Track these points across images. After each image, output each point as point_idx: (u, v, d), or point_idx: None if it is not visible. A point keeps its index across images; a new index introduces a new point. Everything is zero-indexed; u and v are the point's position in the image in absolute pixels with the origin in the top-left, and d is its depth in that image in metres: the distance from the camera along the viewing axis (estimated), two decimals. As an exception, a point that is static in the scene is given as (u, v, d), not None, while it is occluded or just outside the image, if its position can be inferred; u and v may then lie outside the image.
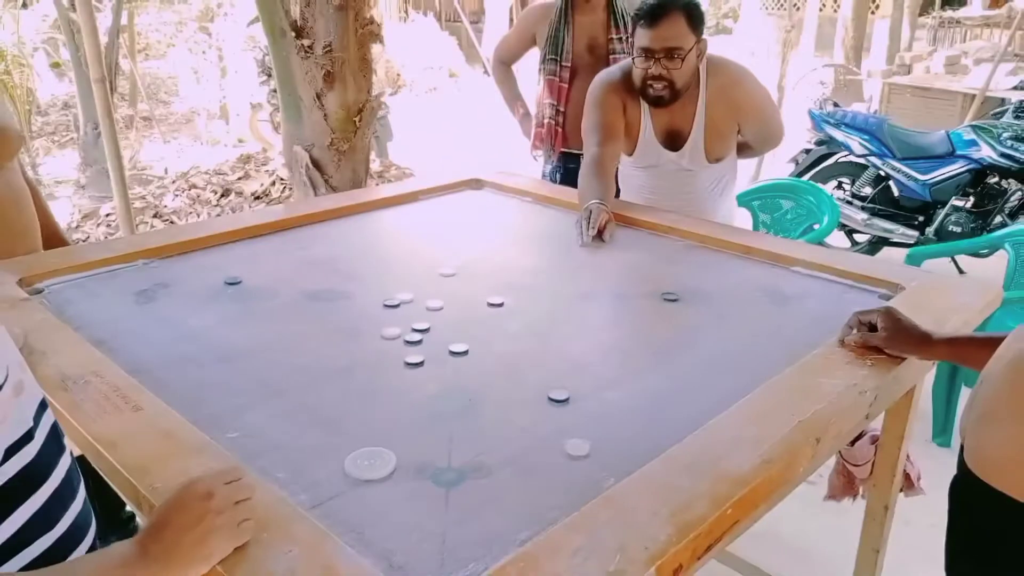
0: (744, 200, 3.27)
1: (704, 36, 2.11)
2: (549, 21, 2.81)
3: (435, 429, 1.16)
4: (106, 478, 1.08)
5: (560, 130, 2.86)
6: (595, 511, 0.94)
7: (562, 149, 2.88)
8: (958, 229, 4.17)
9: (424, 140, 8.07)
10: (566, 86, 2.81)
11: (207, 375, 1.32)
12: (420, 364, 1.34)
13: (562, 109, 2.84)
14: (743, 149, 2.43)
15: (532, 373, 1.33)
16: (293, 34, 2.76)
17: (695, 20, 2.07)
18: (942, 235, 4.21)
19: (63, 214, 5.52)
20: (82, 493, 0.89)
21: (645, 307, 1.60)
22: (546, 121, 2.86)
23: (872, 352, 1.30)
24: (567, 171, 2.87)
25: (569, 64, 2.78)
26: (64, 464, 0.86)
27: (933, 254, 3.45)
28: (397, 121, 6.91)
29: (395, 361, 1.36)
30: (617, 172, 2.37)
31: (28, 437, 0.79)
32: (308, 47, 2.76)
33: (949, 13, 10.19)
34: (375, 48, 3.05)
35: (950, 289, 1.59)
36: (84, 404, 1.16)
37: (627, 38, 2.70)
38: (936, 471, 1.57)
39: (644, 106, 2.23)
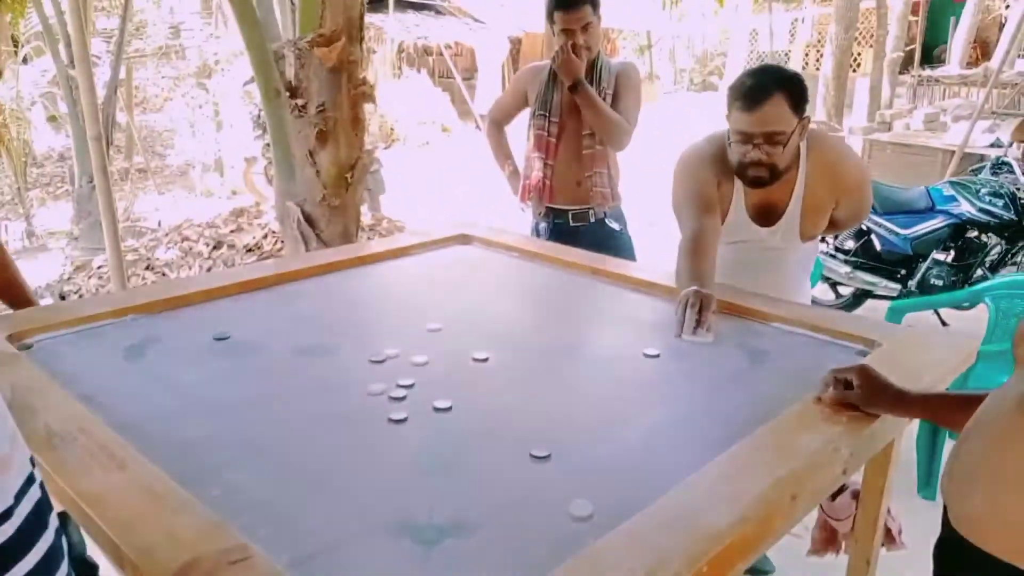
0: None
1: (807, 117, 1.95)
2: (540, 80, 2.89)
3: (417, 486, 1.17)
4: (89, 537, 1.09)
5: (548, 183, 2.91)
6: (575, 569, 0.95)
7: (548, 204, 2.92)
8: (939, 282, 4.23)
9: (416, 193, 8.17)
10: (554, 141, 2.87)
11: (193, 431, 1.33)
12: (404, 420, 1.36)
13: (550, 163, 2.90)
14: (828, 229, 2.27)
15: (515, 429, 1.35)
16: (287, 94, 2.83)
17: (798, 99, 1.90)
18: (924, 288, 4.27)
19: (55, 265, 5.55)
20: (64, 568, 0.89)
21: (626, 364, 1.62)
22: (534, 174, 2.92)
23: (848, 409, 1.33)
24: (554, 227, 2.92)
25: (557, 120, 2.85)
26: (46, 540, 0.86)
27: (914, 307, 3.50)
28: (390, 174, 7.00)
29: (379, 417, 1.37)
30: None
31: (6, 515, 0.80)
32: (302, 107, 2.83)
33: (928, 72, 10.45)
34: (368, 106, 3.13)
35: (925, 345, 1.63)
36: (69, 462, 1.17)
37: (600, 92, 2.79)
38: (920, 525, 1.59)
39: (738, 183, 2.07)
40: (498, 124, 3.15)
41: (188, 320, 1.83)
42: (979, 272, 4.18)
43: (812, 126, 2.09)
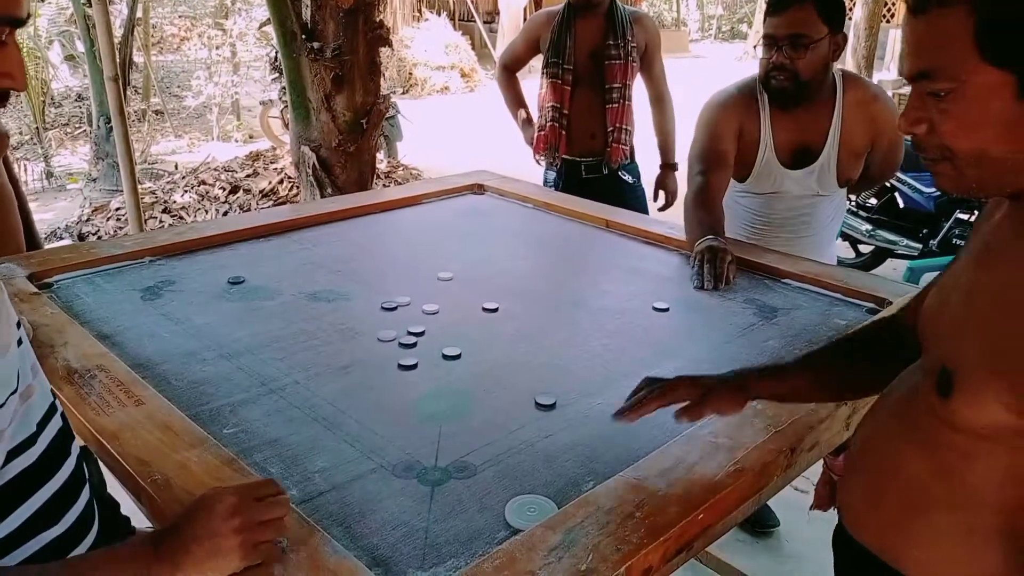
0: None
1: (840, 35, 1.92)
2: (552, 27, 2.84)
3: (424, 430, 1.20)
4: (109, 471, 1.13)
5: (564, 133, 2.87)
6: (572, 512, 0.98)
7: (564, 155, 2.89)
8: (961, 242, 4.18)
9: (434, 140, 8.12)
10: (569, 89, 2.82)
11: (208, 371, 1.36)
12: (414, 367, 1.39)
13: (566, 112, 2.85)
14: (860, 184, 2.26)
15: (522, 377, 1.38)
16: (303, 37, 2.81)
17: (829, 9, 1.88)
18: (945, 248, 4.23)
19: (74, 207, 5.60)
20: (86, 494, 0.93)
21: (635, 317, 1.64)
22: (548, 124, 2.88)
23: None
24: (568, 180, 2.89)
25: (572, 67, 2.80)
26: (68, 467, 0.90)
27: (933, 267, 3.47)
28: (407, 120, 6.96)
29: (390, 363, 1.40)
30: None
31: (30, 441, 0.84)
32: (318, 50, 2.81)
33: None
34: (386, 49, 3.10)
35: (935, 305, 1.62)
36: (89, 398, 1.21)
37: (623, 44, 2.74)
38: None
39: (766, 121, 2.04)
40: (509, 70, 3.10)
41: (204, 263, 1.85)
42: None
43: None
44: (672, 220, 2.18)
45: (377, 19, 2.88)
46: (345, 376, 1.37)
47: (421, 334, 1.51)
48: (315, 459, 1.12)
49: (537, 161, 3.01)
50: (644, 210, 2.81)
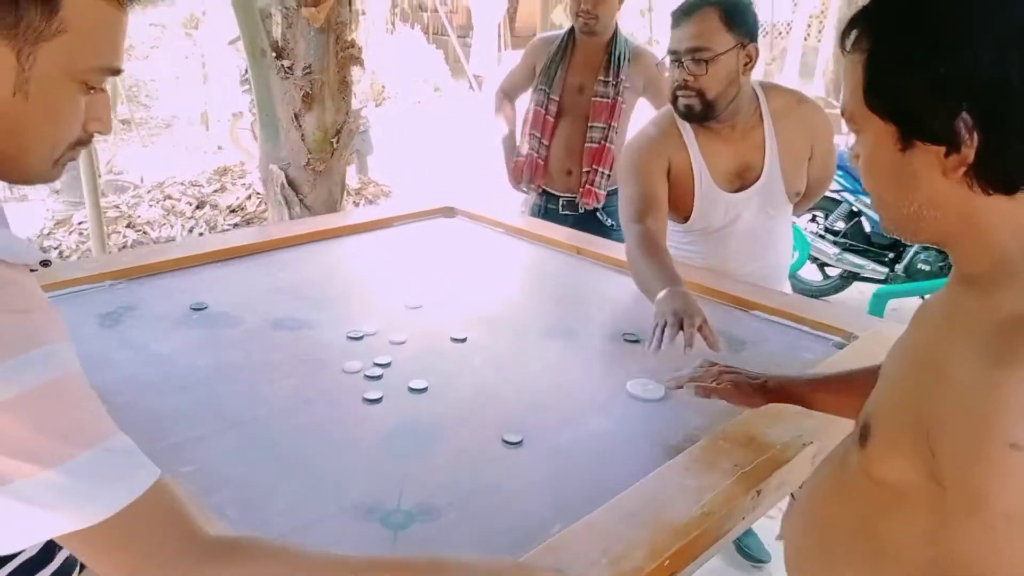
0: None
1: (752, 46, 1.76)
2: (548, 53, 2.78)
3: (388, 469, 1.18)
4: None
5: (542, 164, 2.80)
6: (538, 558, 0.96)
7: (543, 186, 2.83)
8: (927, 267, 4.25)
9: (405, 154, 8.10)
10: (552, 120, 2.75)
11: (167, 403, 1.33)
12: (379, 400, 1.36)
13: (546, 143, 2.79)
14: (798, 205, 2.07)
15: (489, 412, 1.36)
16: (273, 55, 2.78)
17: (732, 18, 1.71)
18: (911, 273, 4.29)
19: (36, 218, 5.48)
20: None
21: (605, 347, 1.63)
22: (527, 152, 2.81)
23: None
24: (547, 211, 2.83)
25: (557, 99, 2.74)
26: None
27: (898, 294, 3.53)
28: (379, 134, 6.93)
29: (354, 396, 1.38)
30: None
31: None
32: (288, 68, 2.78)
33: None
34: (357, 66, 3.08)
35: (900, 339, 1.64)
36: (41, 433, 1.17)
37: (615, 83, 2.67)
38: None
39: (694, 150, 1.87)
40: (507, 95, 3.03)
41: (166, 287, 1.81)
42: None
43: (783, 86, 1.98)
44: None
45: (348, 38, 2.86)
46: (308, 410, 1.34)
47: (387, 365, 1.49)
48: (276, 500, 1.10)
49: (519, 190, 2.94)
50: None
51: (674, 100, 1.81)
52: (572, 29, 2.76)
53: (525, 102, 2.91)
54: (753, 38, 1.77)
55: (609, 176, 2.74)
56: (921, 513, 0.79)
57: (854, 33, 0.79)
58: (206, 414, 1.30)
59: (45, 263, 0.77)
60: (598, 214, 2.83)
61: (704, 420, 1.33)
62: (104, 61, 0.75)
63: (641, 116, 2.77)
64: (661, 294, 1.56)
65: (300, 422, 1.30)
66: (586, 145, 2.72)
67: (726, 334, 1.69)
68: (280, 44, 2.79)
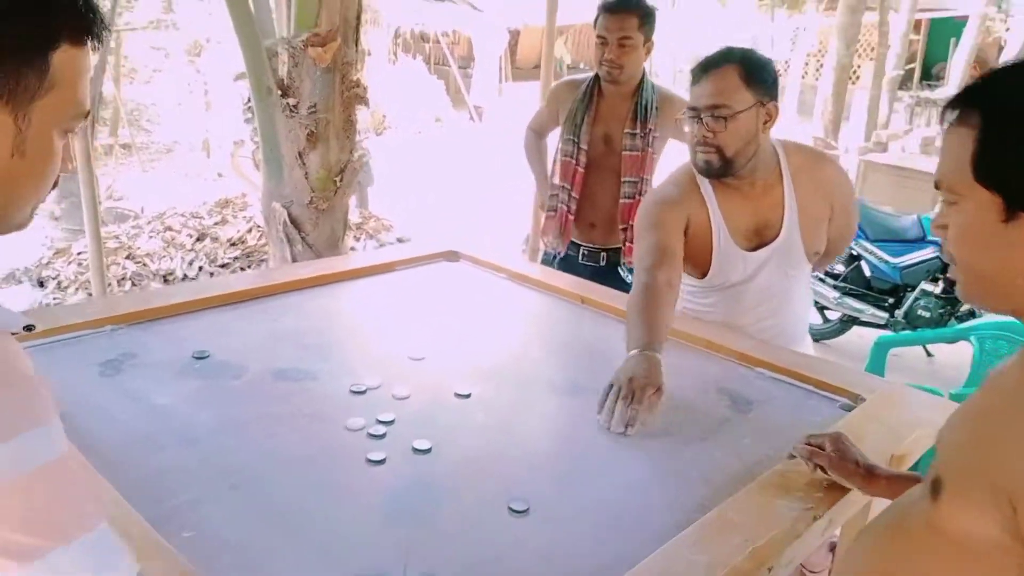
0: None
1: (772, 104, 1.77)
2: (573, 98, 2.69)
3: (392, 535, 1.16)
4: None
5: (572, 218, 2.70)
6: (546, 640, 0.94)
7: (572, 239, 2.73)
8: (927, 314, 4.25)
9: (406, 185, 8.12)
10: (582, 171, 2.64)
11: (168, 460, 1.31)
12: (382, 462, 1.34)
13: (575, 195, 2.67)
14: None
15: (494, 474, 1.34)
16: (279, 93, 2.79)
17: (753, 75, 1.73)
18: (911, 318, 4.29)
19: (35, 245, 5.47)
20: None
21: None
22: (559, 206, 2.70)
23: (816, 469, 1.31)
24: (566, 258, 2.75)
25: (587, 148, 2.63)
26: None
27: (900, 342, 3.51)
28: (380, 164, 6.95)
29: (357, 456, 1.35)
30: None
31: None
32: (293, 106, 2.79)
33: (926, 93, 10.47)
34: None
35: (908, 404, 1.62)
36: (38, 493, 1.14)
37: (643, 133, 2.58)
38: None
39: (713, 206, 1.87)
40: (536, 134, 2.96)
41: (168, 333, 1.80)
42: (966, 306, 4.20)
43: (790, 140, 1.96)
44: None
45: (354, 77, 2.87)
46: (311, 469, 1.32)
47: (391, 423, 1.46)
48: (278, 567, 1.07)
49: (544, 244, 2.86)
50: None
51: (693, 156, 1.82)
52: (597, 77, 2.67)
53: (555, 138, 2.84)
54: (773, 96, 1.78)
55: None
56: (995, 570, 0.82)
57: (959, 108, 0.84)
58: (208, 472, 1.28)
59: (28, 328, 0.76)
60: (619, 268, 2.75)
61: (712, 490, 1.31)
62: (84, 107, 0.78)
63: (670, 156, 2.74)
64: (631, 354, 1.58)
65: (303, 482, 1.28)
66: (621, 201, 2.62)
67: (732, 393, 1.68)
68: (286, 82, 2.80)
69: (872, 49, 11.58)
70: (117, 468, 1.26)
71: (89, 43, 0.77)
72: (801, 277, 1.98)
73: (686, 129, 1.83)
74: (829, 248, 2.01)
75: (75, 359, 1.63)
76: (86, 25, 0.75)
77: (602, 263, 2.72)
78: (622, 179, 2.61)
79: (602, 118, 2.66)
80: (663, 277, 1.77)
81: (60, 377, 1.55)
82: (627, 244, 2.63)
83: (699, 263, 1.92)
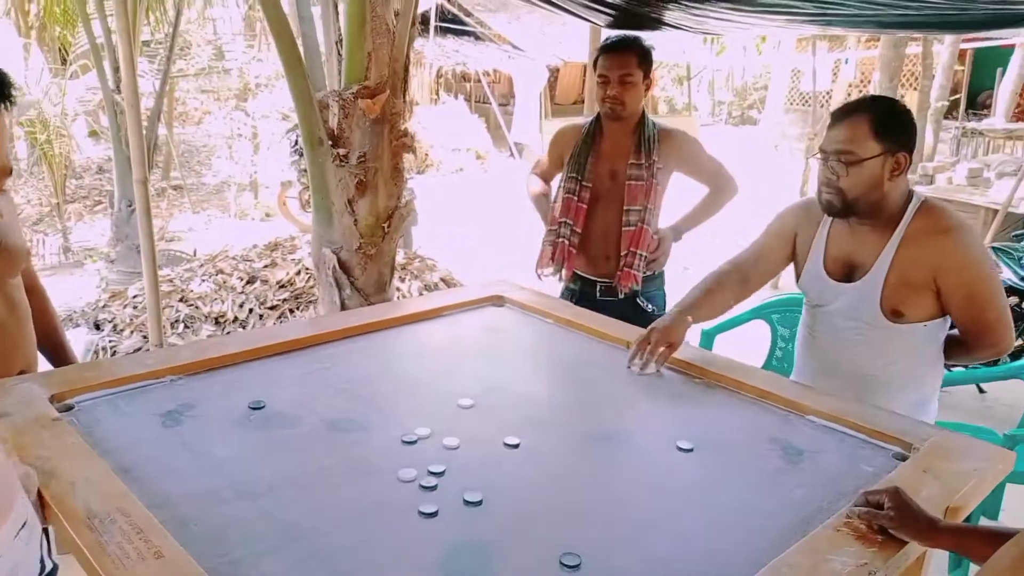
0: (763, 312, 3.30)
1: (901, 154, 1.84)
2: (575, 141, 2.82)
3: (447, 591, 1.18)
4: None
5: (573, 251, 2.80)
6: None
7: (576, 271, 2.84)
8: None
9: (449, 223, 8.22)
10: (584, 207, 2.76)
11: (229, 513, 1.34)
12: (434, 515, 1.36)
13: (578, 230, 2.78)
14: (954, 349, 2.01)
15: (544, 527, 1.35)
16: (330, 143, 2.87)
17: (883, 127, 1.81)
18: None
19: (90, 287, 5.65)
20: None
21: (661, 456, 1.62)
22: (559, 241, 2.81)
23: (878, 533, 1.31)
24: (582, 298, 2.81)
25: (590, 186, 2.75)
26: None
27: (951, 382, 3.44)
28: (423, 202, 7.06)
29: (410, 508, 1.38)
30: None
31: None
32: (343, 156, 2.86)
33: (972, 124, 10.33)
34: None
35: (962, 453, 1.60)
36: (108, 547, 1.19)
37: (647, 164, 2.69)
38: None
39: (823, 229, 2.03)
40: (543, 179, 3.08)
41: (224, 383, 1.85)
42: (1019, 342, 4.11)
43: (919, 191, 1.97)
44: (693, 345, 2.17)
45: (402, 127, 2.94)
46: (365, 523, 1.34)
47: (441, 474, 1.49)
48: (336, 626, 1.10)
49: (539, 275, 2.94)
50: None
51: (819, 194, 1.95)
52: (599, 116, 2.80)
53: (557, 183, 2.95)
54: (905, 146, 1.85)
55: (646, 258, 2.75)
56: None
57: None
58: (265, 526, 1.31)
59: None
60: (638, 299, 2.81)
61: (765, 542, 1.31)
62: (9, 163, 0.82)
63: (677, 188, 2.90)
64: (671, 310, 2.02)
65: (359, 535, 1.31)
66: (624, 229, 2.73)
67: (782, 443, 1.67)
68: (336, 133, 2.88)
69: (916, 79, 11.47)
70: (180, 523, 1.30)
71: (1, 105, 0.81)
72: (874, 333, 1.95)
73: (817, 169, 1.97)
74: (969, 339, 1.96)
75: (137, 411, 1.69)
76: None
77: (620, 295, 2.79)
78: (625, 207, 2.72)
79: (606, 155, 2.77)
80: (741, 273, 2.12)
81: (123, 430, 1.60)
82: (625, 269, 2.73)
83: (797, 269, 2.14)
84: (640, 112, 2.77)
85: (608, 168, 2.76)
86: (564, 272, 2.85)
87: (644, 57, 2.70)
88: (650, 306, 2.82)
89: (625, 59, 2.67)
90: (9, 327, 1.80)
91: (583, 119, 2.94)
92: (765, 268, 2.16)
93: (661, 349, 1.95)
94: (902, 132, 1.85)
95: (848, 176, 1.85)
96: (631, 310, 2.74)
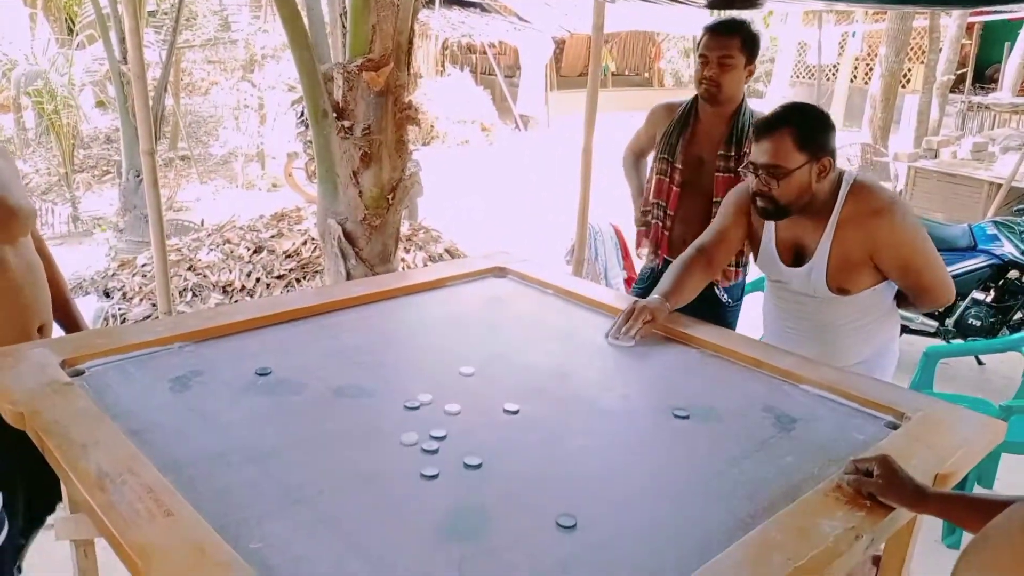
0: (762, 286, 3.32)
1: (825, 159, 1.97)
2: (670, 120, 2.73)
3: (445, 549, 1.22)
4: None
5: (667, 234, 2.73)
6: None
7: (666, 256, 2.75)
8: (977, 323, 4.19)
9: (453, 194, 8.22)
10: (676, 189, 2.69)
11: (236, 476, 1.39)
12: (435, 476, 1.41)
13: (671, 213, 2.71)
14: (903, 303, 2.23)
15: (543, 491, 1.39)
16: (334, 115, 2.89)
17: (805, 140, 1.94)
18: (961, 327, 4.23)
19: (99, 256, 5.70)
20: None
21: (657, 423, 1.66)
22: (654, 223, 2.76)
23: (866, 498, 1.34)
24: (658, 275, 2.66)
25: (680, 168, 2.67)
26: None
27: (949, 353, 3.48)
28: (428, 174, 7.07)
29: (412, 471, 1.42)
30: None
31: None
32: (348, 128, 2.88)
33: (978, 98, 10.25)
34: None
35: (954, 423, 1.63)
36: (119, 505, 1.23)
37: (736, 156, 2.59)
38: (943, 574, 1.60)
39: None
40: (636, 155, 3.01)
41: (232, 351, 1.89)
42: (1019, 315, 4.13)
43: (849, 171, 2.09)
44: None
45: (406, 100, 2.95)
46: (369, 486, 1.39)
47: (443, 438, 1.53)
48: (339, 581, 1.14)
49: (639, 255, 2.93)
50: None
51: (753, 201, 2.07)
52: (695, 98, 2.70)
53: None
54: (827, 151, 1.98)
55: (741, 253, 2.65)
56: None
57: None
58: (272, 488, 1.36)
59: None
60: (716, 288, 2.73)
61: (755, 507, 1.35)
62: None
63: None
64: (651, 296, 2.08)
65: (362, 498, 1.35)
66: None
67: (776, 411, 1.71)
68: (341, 105, 2.90)
69: (923, 52, 11.37)
70: (188, 484, 1.34)
71: None
72: (829, 303, 2.14)
73: (749, 180, 2.07)
74: (911, 297, 2.18)
75: (146, 376, 1.73)
76: None
77: None
78: (713, 199, 2.63)
79: (697, 139, 2.68)
80: (705, 256, 2.19)
81: (134, 394, 1.65)
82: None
83: (754, 249, 2.27)
84: (739, 100, 2.65)
85: (697, 154, 2.67)
86: (659, 254, 2.78)
87: (749, 41, 2.58)
88: (726, 296, 2.75)
89: (728, 41, 2.55)
90: (27, 285, 1.84)
91: (680, 99, 2.81)
92: (726, 248, 2.26)
93: (641, 324, 2.00)
94: (823, 138, 1.98)
95: (779, 187, 1.98)
96: (707, 298, 2.60)
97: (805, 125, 1.95)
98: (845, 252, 2.05)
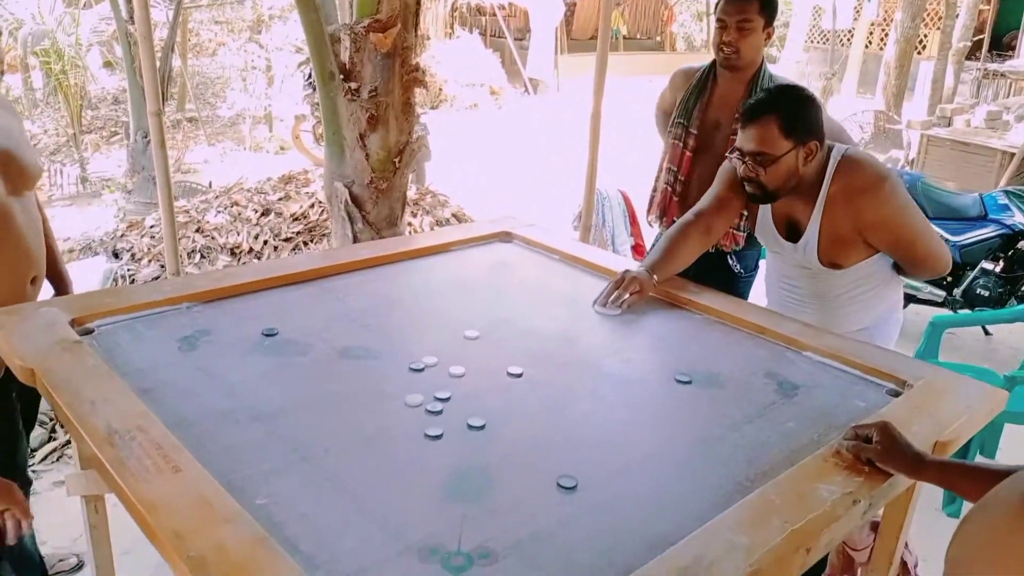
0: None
1: (812, 143, 1.96)
2: (688, 85, 2.68)
3: (448, 508, 1.24)
4: (146, 536, 1.18)
5: (675, 200, 2.70)
6: (591, 610, 1.01)
7: (674, 219, 2.64)
8: (986, 293, 4.17)
9: (462, 159, 8.19)
10: (690, 155, 2.65)
11: (242, 434, 1.41)
12: (439, 437, 1.43)
13: (682, 178, 2.67)
14: (901, 270, 2.23)
15: (544, 453, 1.41)
16: (341, 77, 2.87)
17: (791, 126, 1.93)
18: (969, 297, 4.22)
19: (107, 217, 5.72)
20: None
21: (659, 388, 1.67)
22: (662, 186, 2.73)
23: (865, 464, 1.36)
24: None
25: (696, 132, 2.63)
26: None
27: (955, 323, 3.48)
28: (436, 138, 7.03)
29: (416, 432, 1.44)
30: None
31: None
32: (355, 90, 2.86)
33: (994, 66, 10.10)
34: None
35: (956, 391, 1.64)
36: (128, 461, 1.26)
37: None
38: (943, 543, 1.61)
39: None
40: (665, 112, 2.90)
41: (239, 311, 1.90)
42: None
43: (839, 146, 2.07)
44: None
45: (413, 62, 2.93)
46: (373, 446, 1.41)
47: (447, 400, 1.55)
48: (345, 538, 1.16)
49: (649, 223, 2.90)
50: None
51: (742, 185, 2.07)
52: (713, 63, 2.64)
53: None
54: (814, 135, 1.97)
55: (747, 218, 2.56)
56: None
57: None
58: (278, 446, 1.38)
59: None
60: (728, 257, 2.70)
61: (755, 472, 1.36)
62: None
63: None
64: (637, 268, 2.09)
65: (367, 456, 1.37)
66: None
67: (779, 377, 1.72)
68: (348, 67, 2.88)
69: (939, 18, 11.18)
70: (196, 441, 1.36)
71: None
72: (824, 275, 2.14)
73: (733, 163, 2.06)
74: (906, 268, 2.20)
75: (155, 335, 1.75)
76: None
77: (711, 249, 2.51)
78: None
79: (714, 104, 2.63)
80: (704, 223, 2.17)
81: (142, 353, 1.67)
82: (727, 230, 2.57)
83: (754, 222, 2.26)
84: (759, 63, 2.58)
85: (714, 118, 2.62)
86: (665, 220, 2.75)
87: (767, 4, 2.50)
88: (738, 266, 2.72)
89: (745, 4, 2.47)
90: (28, 237, 1.87)
91: (699, 63, 2.74)
92: (726, 215, 2.23)
93: (628, 295, 2.01)
94: (809, 123, 1.96)
95: (766, 173, 1.97)
96: (719, 267, 2.66)
97: (790, 111, 1.94)
98: (835, 229, 2.05)
